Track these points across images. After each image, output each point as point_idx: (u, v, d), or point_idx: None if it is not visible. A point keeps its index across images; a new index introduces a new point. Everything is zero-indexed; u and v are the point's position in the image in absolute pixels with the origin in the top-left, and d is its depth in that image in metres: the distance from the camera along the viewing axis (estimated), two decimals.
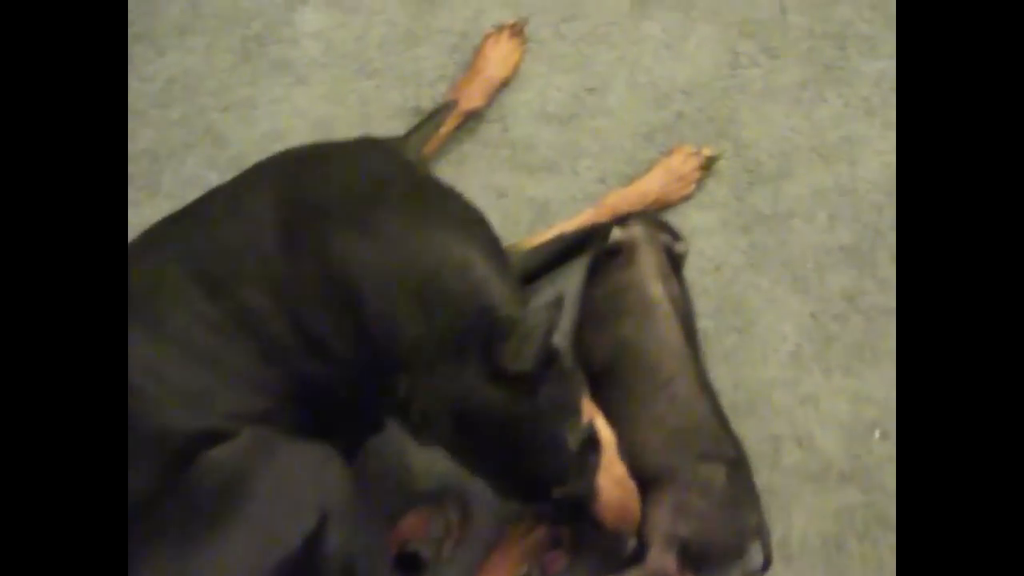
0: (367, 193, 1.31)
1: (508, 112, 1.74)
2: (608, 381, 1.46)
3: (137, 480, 1.13)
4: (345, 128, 1.75)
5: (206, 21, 1.84)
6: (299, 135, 1.75)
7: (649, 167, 1.66)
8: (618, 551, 1.41)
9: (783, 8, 1.78)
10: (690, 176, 1.64)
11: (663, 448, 1.40)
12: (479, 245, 1.28)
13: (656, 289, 1.48)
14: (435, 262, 1.24)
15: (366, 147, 1.44)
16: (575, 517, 1.34)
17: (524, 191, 1.68)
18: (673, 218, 1.61)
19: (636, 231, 1.52)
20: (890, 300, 1.57)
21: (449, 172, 1.69)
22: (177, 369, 1.25)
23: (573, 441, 1.23)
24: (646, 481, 1.36)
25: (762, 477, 1.46)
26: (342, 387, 1.32)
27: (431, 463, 1.46)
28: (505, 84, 1.74)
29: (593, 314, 1.54)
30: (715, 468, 1.39)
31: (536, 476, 1.23)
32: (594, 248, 1.56)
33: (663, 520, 1.37)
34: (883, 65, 1.73)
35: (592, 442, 1.27)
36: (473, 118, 1.71)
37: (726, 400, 1.48)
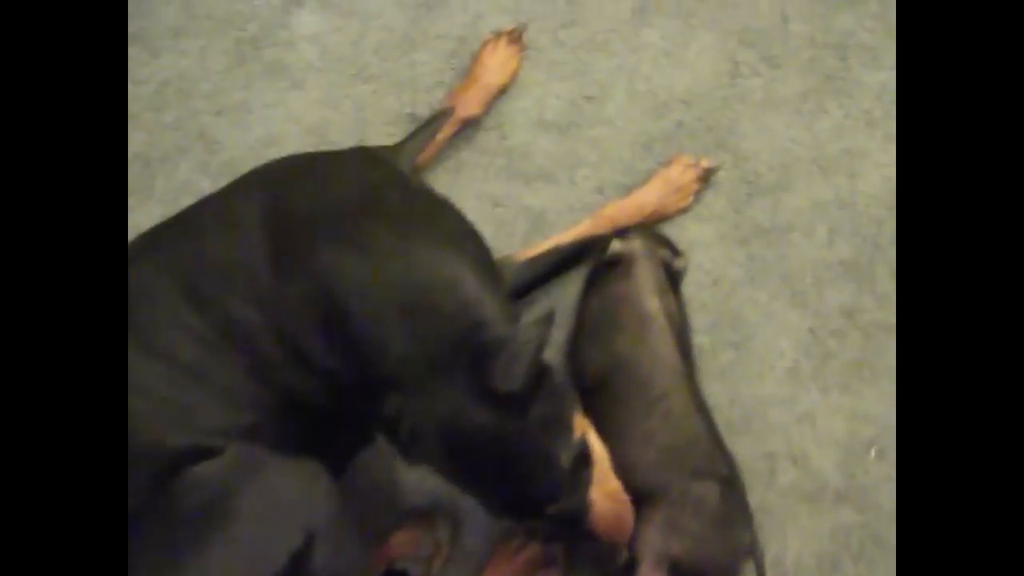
0: (357, 206, 1.29)
1: (505, 120, 1.72)
2: (601, 395, 1.44)
3: None
4: (340, 134, 1.73)
5: (200, 23, 1.82)
6: (293, 140, 1.73)
7: (647, 177, 1.64)
8: (610, 569, 1.39)
9: (784, 17, 1.75)
10: (688, 188, 1.61)
11: (655, 465, 1.38)
12: (470, 261, 1.26)
13: (652, 304, 1.46)
14: (424, 278, 1.23)
15: (358, 158, 1.42)
16: (568, 532, 1.32)
17: (520, 200, 1.66)
18: (670, 230, 1.59)
19: (635, 244, 1.50)
20: (889, 316, 1.55)
21: (445, 180, 1.67)
22: (163, 383, 1.23)
23: (565, 458, 1.21)
24: (638, 498, 1.34)
25: (757, 496, 1.44)
26: (330, 401, 1.30)
27: (421, 479, 1.44)
28: (503, 91, 1.72)
29: (589, 326, 1.52)
30: (708, 486, 1.37)
31: (528, 494, 1.22)
32: (592, 259, 1.54)
33: (655, 537, 1.35)
34: (885, 76, 1.70)
35: (584, 457, 1.25)
36: (470, 125, 1.69)
37: (721, 417, 1.46)
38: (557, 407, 1.21)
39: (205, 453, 1.23)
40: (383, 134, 1.71)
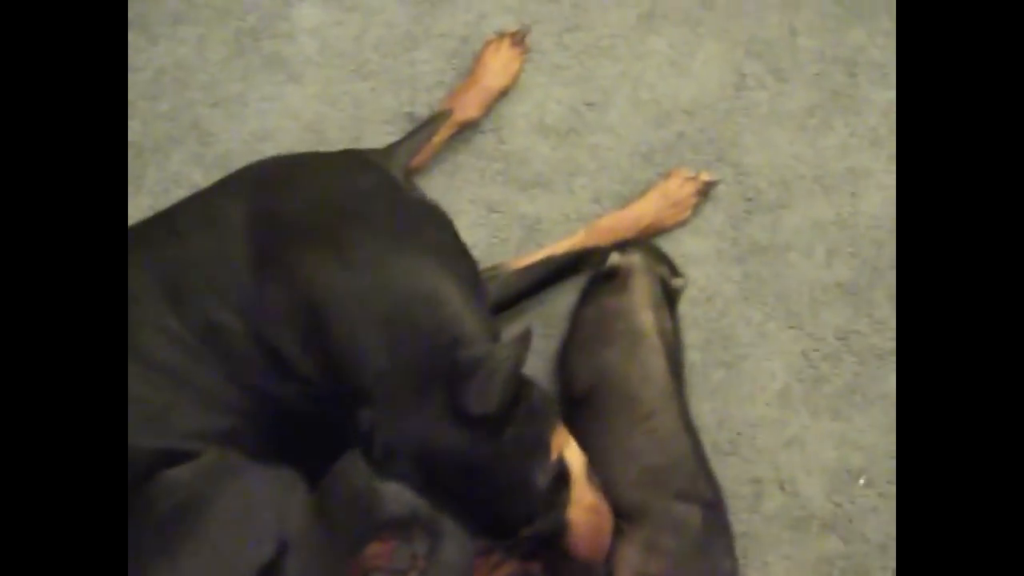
0: (342, 213, 1.27)
1: (504, 123, 1.69)
2: (587, 409, 1.42)
3: None
4: (336, 131, 1.70)
5: (200, 11, 1.79)
6: (288, 136, 1.71)
7: (646, 188, 1.61)
8: None
9: (793, 29, 1.72)
10: (686, 202, 1.58)
11: (638, 484, 1.36)
12: (452, 275, 1.24)
13: (647, 319, 1.43)
14: (405, 292, 1.21)
15: (348, 161, 1.40)
16: (545, 551, 1.30)
17: (516, 207, 1.64)
18: (667, 244, 1.56)
19: (634, 259, 1.47)
20: (885, 342, 1.52)
21: (440, 183, 1.65)
22: (139, 384, 1.21)
23: (542, 480, 1.19)
24: (618, 516, 1.32)
25: (740, 521, 1.42)
26: (310, 408, 1.29)
27: (401, 488, 1.41)
28: (503, 94, 1.69)
29: (580, 336, 1.49)
30: (691, 509, 1.35)
31: (502, 516, 1.20)
32: (590, 269, 1.52)
33: (632, 556, 1.33)
34: (893, 94, 1.67)
35: (562, 477, 1.23)
36: (468, 128, 1.66)
37: (708, 438, 1.44)
38: (534, 428, 1.19)
39: (180, 457, 1.22)
40: (380, 133, 1.68)
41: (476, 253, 1.54)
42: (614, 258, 1.47)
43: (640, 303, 1.44)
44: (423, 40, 1.75)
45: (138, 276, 1.25)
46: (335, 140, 1.69)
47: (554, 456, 1.20)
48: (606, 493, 1.31)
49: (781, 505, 1.45)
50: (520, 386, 1.18)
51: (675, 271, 1.51)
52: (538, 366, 1.53)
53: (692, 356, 1.52)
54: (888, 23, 1.70)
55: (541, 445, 1.19)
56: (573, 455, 1.25)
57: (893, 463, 1.45)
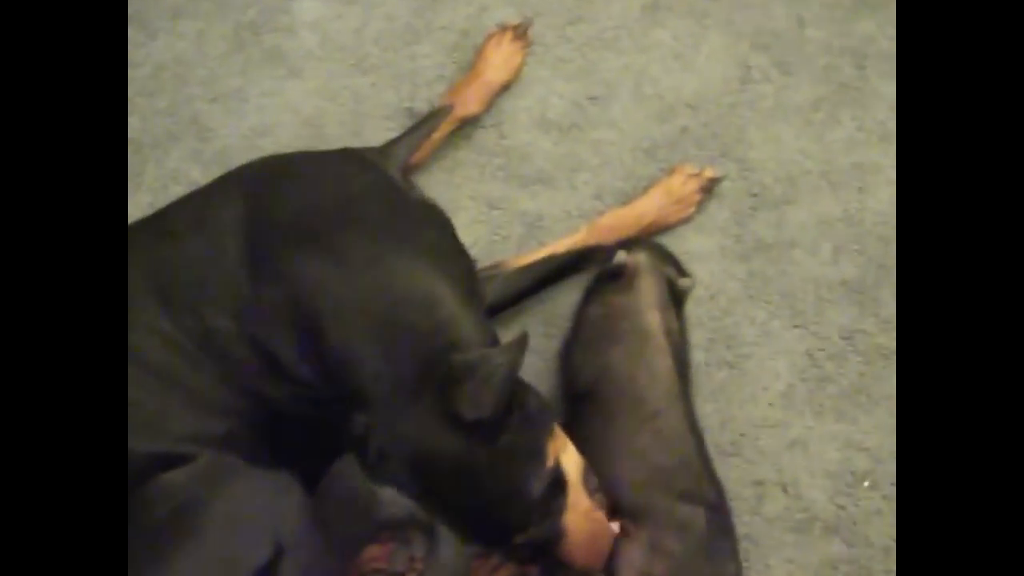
0: (336, 214, 1.26)
1: (506, 118, 1.66)
2: (591, 408, 1.40)
3: None
4: (336, 126, 1.69)
5: (200, 5, 1.78)
6: (288, 131, 1.69)
7: (649, 184, 1.58)
8: None
9: (800, 20, 1.68)
10: (690, 198, 1.56)
11: (642, 484, 1.34)
12: (449, 278, 1.22)
13: (653, 319, 1.41)
14: (400, 294, 1.19)
15: (344, 161, 1.38)
16: (541, 557, 1.28)
17: (516, 204, 1.61)
18: (669, 241, 1.54)
19: (641, 258, 1.45)
20: (891, 342, 1.49)
21: (440, 179, 1.63)
22: (133, 387, 1.20)
23: (536, 487, 1.17)
24: (620, 516, 1.31)
25: (743, 523, 1.40)
26: (305, 411, 1.28)
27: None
28: (505, 88, 1.67)
29: (585, 334, 1.47)
30: (695, 510, 1.33)
31: (495, 523, 1.18)
32: (597, 267, 1.50)
33: (636, 557, 1.32)
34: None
35: (558, 484, 1.21)
36: (468, 123, 1.63)
37: (711, 439, 1.42)
38: (529, 434, 1.17)
39: (176, 460, 1.21)
40: (380, 128, 1.67)
41: (476, 250, 1.54)
42: (620, 256, 1.44)
43: (646, 303, 1.42)
44: (424, 34, 1.73)
45: (131, 278, 1.24)
46: (335, 136, 1.68)
47: (550, 462, 1.19)
48: (609, 493, 1.30)
49: (784, 507, 1.43)
50: (515, 391, 1.16)
51: (682, 271, 1.49)
52: (539, 366, 1.52)
53: (695, 355, 1.50)
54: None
55: (536, 451, 1.18)
56: (570, 460, 1.23)
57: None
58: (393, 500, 1.41)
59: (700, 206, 1.57)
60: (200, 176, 1.65)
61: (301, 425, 1.30)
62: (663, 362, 1.39)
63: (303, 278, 1.21)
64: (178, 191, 1.54)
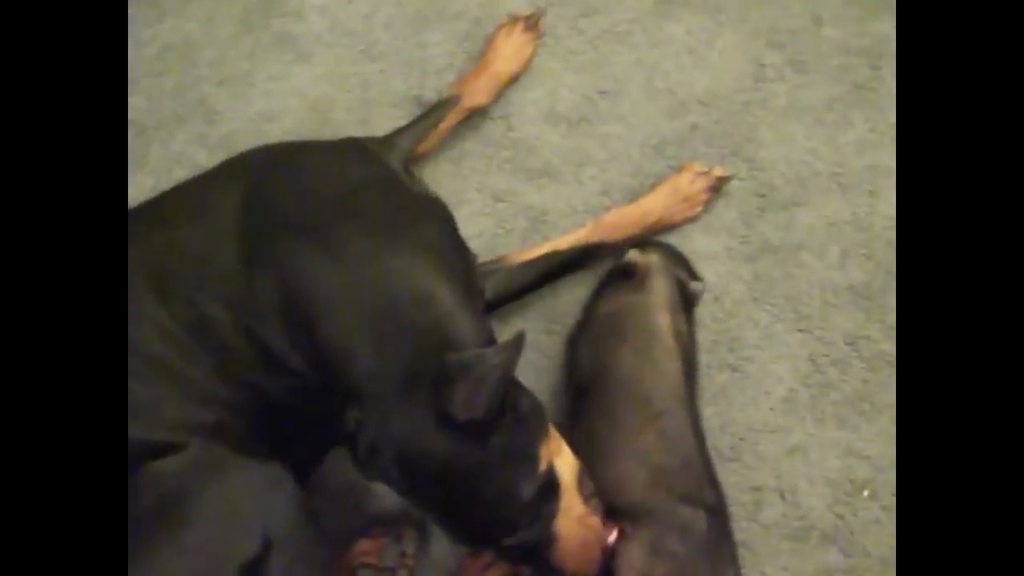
0: (334, 207, 1.24)
1: (514, 110, 1.65)
2: (593, 403, 1.39)
3: None
4: (343, 113, 1.67)
5: None
6: (294, 117, 1.68)
7: (656, 181, 1.56)
8: None
9: (817, 18, 1.65)
10: (697, 197, 1.53)
11: (645, 483, 1.32)
12: (447, 274, 1.21)
13: (663, 321, 1.39)
14: (396, 290, 1.18)
15: (345, 152, 1.36)
16: (532, 560, 1.27)
17: (522, 197, 1.60)
18: (675, 240, 1.52)
19: (653, 259, 1.43)
20: (895, 349, 1.46)
21: (446, 170, 1.61)
22: None
23: (527, 490, 1.16)
24: (622, 515, 1.29)
25: (739, 529, 1.38)
26: (298, 403, 1.26)
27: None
28: (514, 80, 1.65)
29: (593, 329, 1.46)
30: (696, 513, 1.31)
31: (484, 524, 1.17)
32: (609, 263, 1.48)
33: (638, 558, 1.30)
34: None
35: (551, 488, 1.19)
36: (476, 114, 1.61)
37: (710, 443, 1.39)
38: (522, 436, 1.15)
39: (166, 448, 1.20)
40: (387, 116, 1.65)
41: (479, 243, 1.52)
42: (632, 255, 1.43)
43: (657, 304, 1.40)
44: (435, 21, 1.71)
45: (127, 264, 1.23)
46: (341, 122, 1.66)
47: (543, 466, 1.17)
48: (610, 491, 1.28)
49: (781, 514, 1.41)
50: (509, 393, 1.14)
51: (694, 275, 1.47)
52: (539, 363, 1.50)
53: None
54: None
55: (529, 454, 1.16)
56: (565, 464, 1.22)
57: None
58: (386, 495, 1.41)
59: (707, 205, 1.54)
60: (205, 159, 1.64)
61: (294, 417, 1.29)
62: (671, 364, 1.38)
63: (297, 270, 1.19)
64: (182, 174, 1.53)
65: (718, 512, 1.34)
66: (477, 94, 1.60)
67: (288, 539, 1.19)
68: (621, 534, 1.29)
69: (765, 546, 1.40)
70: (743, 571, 1.35)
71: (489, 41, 1.66)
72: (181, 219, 1.26)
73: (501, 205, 1.59)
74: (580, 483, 1.24)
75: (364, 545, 1.38)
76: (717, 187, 1.54)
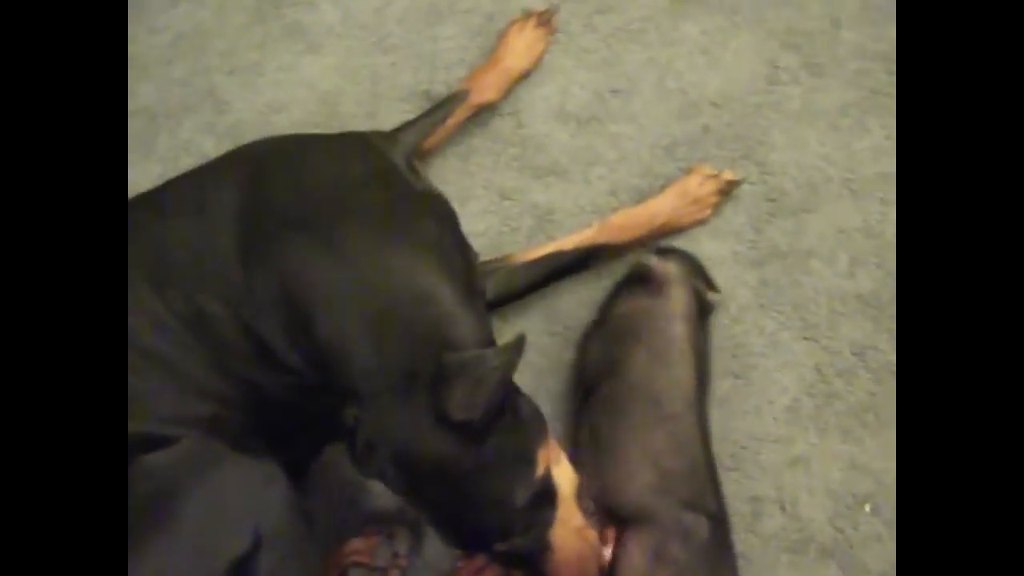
0: (335, 203, 1.23)
1: (524, 107, 1.63)
2: (602, 402, 1.38)
3: None
4: (352, 105, 1.66)
5: None
6: (303, 108, 1.67)
7: (665, 183, 1.54)
8: None
9: (835, 21, 1.63)
10: (706, 200, 1.51)
11: (651, 486, 1.31)
12: (448, 273, 1.19)
13: (680, 330, 1.38)
14: (396, 289, 1.16)
15: (348, 147, 1.34)
16: (525, 567, 1.25)
17: (529, 195, 1.58)
18: (681, 244, 1.50)
19: (672, 268, 1.41)
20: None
21: (453, 166, 1.60)
22: None
23: (521, 495, 1.14)
24: (623, 518, 1.29)
25: (737, 539, 1.36)
26: (295, 399, 1.26)
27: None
28: (525, 76, 1.63)
29: (608, 327, 1.44)
30: (699, 519, 1.30)
31: (476, 527, 1.15)
32: (630, 266, 1.47)
33: (640, 562, 1.29)
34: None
35: (547, 495, 1.18)
36: (485, 110, 1.60)
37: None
38: (519, 440, 1.14)
39: (159, 442, 1.19)
40: (395, 110, 1.64)
41: (485, 240, 1.51)
42: (651, 260, 1.41)
43: (676, 312, 1.39)
44: (448, 15, 1.70)
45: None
46: (350, 115, 1.65)
47: (539, 471, 1.15)
48: (614, 492, 1.28)
49: (780, 526, 1.39)
50: (508, 396, 1.13)
51: (711, 285, 1.45)
52: (541, 364, 1.49)
53: None
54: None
55: (525, 459, 1.15)
56: (564, 474, 1.20)
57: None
58: (382, 493, 1.39)
59: (716, 209, 1.52)
60: (213, 149, 1.63)
61: (290, 413, 1.28)
62: (685, 369, 1.36)
63: (296, 267, 1.18)
64: (189, 163, 1.52)
65: (720, 520, 1.33)
66: (486, 90, 1.58)
67: (279, 537, 1.18)
68: (618, 542, 1.28)
69: (763, 557, 1.38)
70: None
71: (501, 36, 1.64)
72: (181, 212, 1.25)
73: (507, 203, 1.58)
74: (579, 495, 1.22)
75: (356, 544, 1.37)
76: (727, 191, 1.52)
